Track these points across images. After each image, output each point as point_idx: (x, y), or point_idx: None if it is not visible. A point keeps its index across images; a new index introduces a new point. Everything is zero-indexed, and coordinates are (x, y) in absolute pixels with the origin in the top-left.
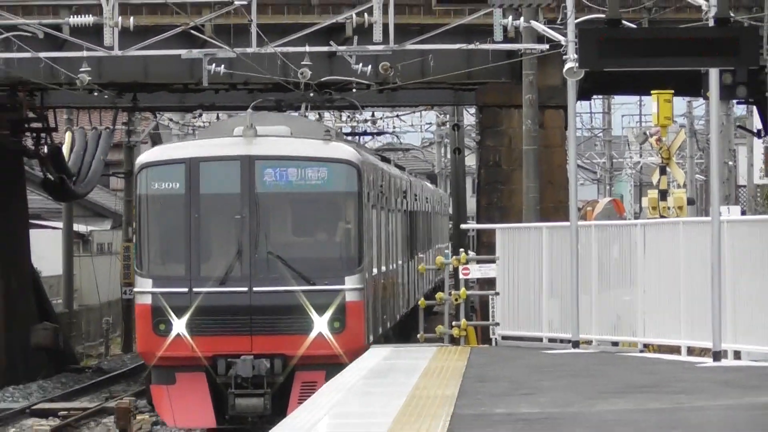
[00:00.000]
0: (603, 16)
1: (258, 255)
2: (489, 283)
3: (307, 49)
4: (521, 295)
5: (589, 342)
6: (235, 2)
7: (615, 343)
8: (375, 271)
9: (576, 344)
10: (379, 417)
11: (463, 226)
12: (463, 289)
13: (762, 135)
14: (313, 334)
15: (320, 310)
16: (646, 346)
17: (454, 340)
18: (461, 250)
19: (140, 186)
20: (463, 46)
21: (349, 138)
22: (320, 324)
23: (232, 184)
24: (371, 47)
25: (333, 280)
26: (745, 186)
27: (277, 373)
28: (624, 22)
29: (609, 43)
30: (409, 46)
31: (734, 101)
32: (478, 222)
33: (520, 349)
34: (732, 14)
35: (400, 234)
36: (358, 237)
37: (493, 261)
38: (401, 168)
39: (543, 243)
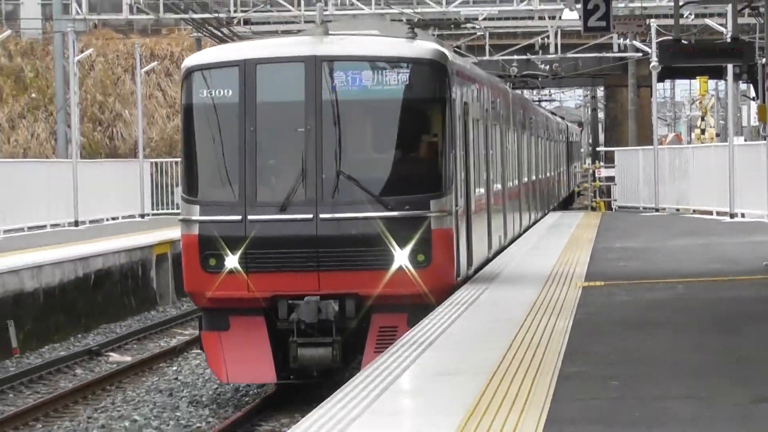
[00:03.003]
0: (670, 36)
1: (325, 176)
2: (610, 179)
3: (515, 57)
4: (627, 184)
5: (663, 209)
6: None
7: (677, 209)
8: (477, 192)
9: (657, 210)
10: (553, 249)
11: (597, 149)
12: (597, 181)
13: (755, 99)
14: (392, 270)
15: (401, 241)
16: (694, 210)
17: (593, 209)
18: (597, 161)
19: (186, 94)
20: (597, 54)
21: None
22: (401, 257)
23: (294, 91)
24: (549, 56)
25: (416, 205)
26: (746, 126)
27: (350, 317)
28: (682, 41)
29: (674, 52)
30: (569, 54)
31: (741, 81)
32: (605, 146)
33: (627, 212)
34: (739, 35)
35: (520, 154)
36: (447, 153)
37: (612, 167)
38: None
39: (639, 157)
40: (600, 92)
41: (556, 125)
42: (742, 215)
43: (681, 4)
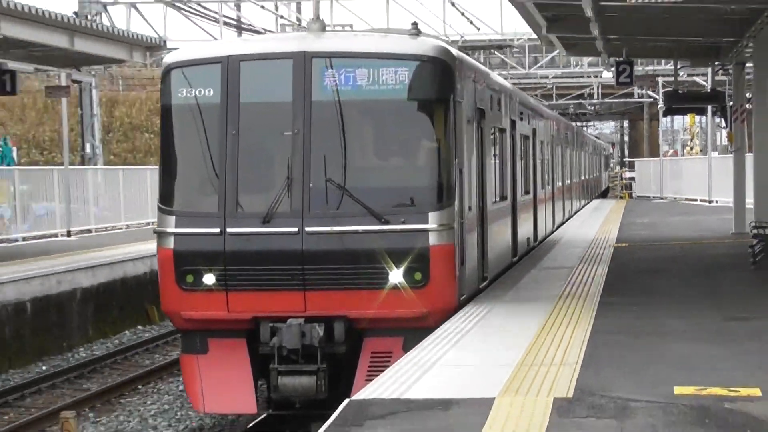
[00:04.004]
0: (671, 88)
1: (313, 184)
2: (631, 178)
3: (572, 102)
4: (642, 182)
5: (666, 198)
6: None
7: (675, 198)
8: (483, 203)
9: (662, 198)
10: (595, 223)
11: (624, 159)
12: (623, 180)
13: (725, 128)
14: (386, 289)
15: (395, 258)
16: (685, 198)
17: (620, 198)
18: (623, 167)
19: (164, 94)
20: (624, 99)
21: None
22: (395, 275)
23: (281, 90)
24: (593, 100)
25: (413, 218)
26: (719, 145)
27: (338, 341)
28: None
29: (673, 98)
30: (606, 99)
31: (716, 116)
32: (629, 158)
33: (643, 200)
34: (716, 87)
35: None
36: (450, 162)
37: (633, 171)
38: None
39: (650, 165)
40: (625, 123)
41: (597, 144)
42: (716, 201)
43: (678, 68)
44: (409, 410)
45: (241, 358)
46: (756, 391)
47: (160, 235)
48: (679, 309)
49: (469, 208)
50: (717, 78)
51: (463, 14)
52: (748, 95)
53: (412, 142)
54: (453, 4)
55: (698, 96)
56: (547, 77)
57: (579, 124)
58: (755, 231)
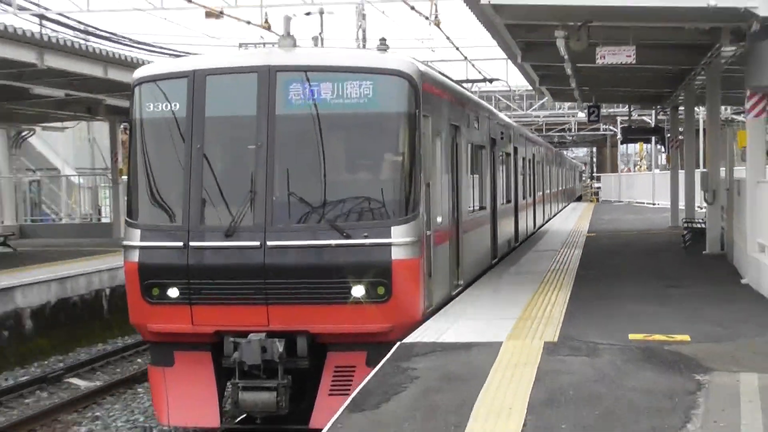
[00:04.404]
0: (626, 125)
1: (276, 198)
2: (598, 188)
3: (557, 133)
4: (607, 190)
5: (623, 201)
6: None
7: (629, 202)
8: (458, 213)
9: (620, 202)
10: (573, 219)
11: (593, 174)
12: (592, 188)
13: (664, 152)
14: (349, 304)
15: (358, 272)
16: (637, 202)
17: (591, 201)
18: (592, 180)
19: (132, 108)
20: (593, 132)
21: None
22: (358, 290)
23: (246, 104)
24: (572, 133)
25: (376, 232)
26: (660, 164)
27: (301, 356)
28: (631, 127)
29: (627, 131)
30: (581, 132)
31: (658, 144)
32: (596, 173)
33: (606, 203)
34: (658, 124)
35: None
36: (415, 176)
37: (599, 182)
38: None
39: (612, 178)
40: (594, 149)
41: (573, 163)
42: (658, 204)
43: (631, 110)
44: (443, 350)
45: (206, 372)
46: (686, 338)
47: (127, 248)
48: (632, 279)
49: (440, 220)
50: (659, 117)
51: (480, 72)
52: (680, 129)
53: (375, 155)
54: (473, 65)
55: (645, 130)
56: (539, 116)
57: (561, 149)
58: (685, 225)
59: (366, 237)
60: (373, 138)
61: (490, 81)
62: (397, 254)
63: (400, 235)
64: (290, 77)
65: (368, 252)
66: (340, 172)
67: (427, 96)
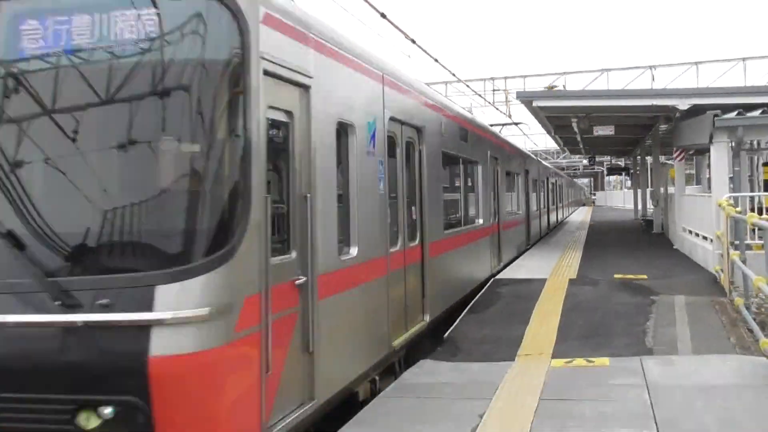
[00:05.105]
0: (609, 165)
1: None
2: (595, 198)
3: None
4: (600, 199)
5: (608, 205)
6: None
7: (612, 206)
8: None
9: (606, 206)
10: (583, 214)
11: (593, 191)
12: (592, 198)
13: (629, 180)
14: None
15: (86, 383)
16: (616, 205)
17: (590, 206)
18: (592, 194)
19: None
20: (589, 169)
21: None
22: (88, 418)
23: None
24: (579, 171)
25: (124, 297)
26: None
27: None
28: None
29: (611, 170)
30: (584, 170)
31: (627, 176)
32: (594, 190)
33: (600, 207)
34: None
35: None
36: (243, 182)
37: (596, 196)
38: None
39: (603, 193)
40: (592, 178)
41: (580, 186)
42: (626, 206)
43: (611, 158)
44: (516, 282)
45: None
46: (644, 276)
47: None
48: (614, 246)
49: (348, 256)
50: (626, 161)
51: (523, 132)
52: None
53: (147, 141)
54: (528, 137)
55: (619, 169)
56: (562, 162)
57: (574, 178)
58: (642, 218)
59: (107, 309)
60: (155, 110)
61: (517, 124)
62: (165, 345)
63: (176, 302)
64: (22, 10)
65: (108, 340)
66: (87, 178)
67: (290, 44)
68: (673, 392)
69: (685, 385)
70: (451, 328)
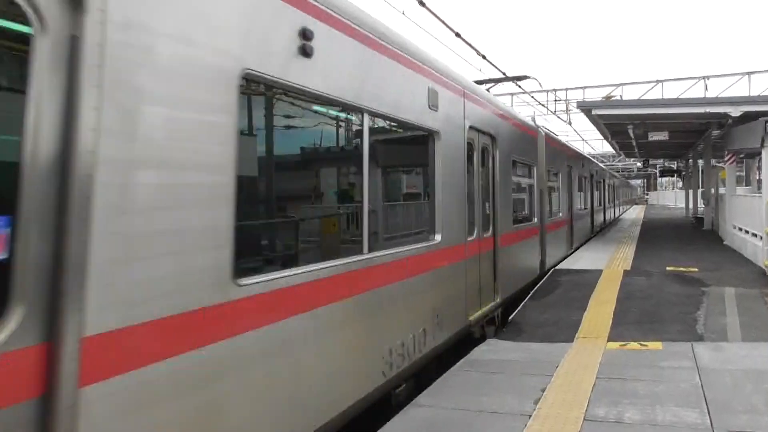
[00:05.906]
0: (662, 167)
1: None
2: (648, 197)
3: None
4: (652, 199)
5: (661, 204)
6: None
7: (665, 204)
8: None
9: (658, 205)
10: (635, 213)
11: (646, 191)
12: (645, 197)
13: (681, 181)
14: None
15: None
16: (669, 205)
17: (644, 205)
18: (645, 194)
19: None
20: (643, 171)
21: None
22: None
23: None
24: (633, 173)
25: None
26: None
27: None
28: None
29: (664, 172)
30: (638, 172)
31: (678, 178)
32: (647, 191)
33: (652, 206)
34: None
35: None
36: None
37: (648, 195)
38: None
39: (655, 193)
40: (645, 180)
41: (635, 186)
42: (681, 206)
43: (664, 162)
44: (574, 272)
45: None
46: (696, 269)
47: None
48: (666, 241)
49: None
50: (678, 164)
51: (584, 141)
52: (690, 170)
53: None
54: (579, 135)
55: (671, 171)
56: (618, 165)
57: (628, 179)
58: (693, 215)
59: None
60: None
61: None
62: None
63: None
64: None
65: None
66: None
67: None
68: (723, 375)
69: (735, 370)
70: (515, 311)
